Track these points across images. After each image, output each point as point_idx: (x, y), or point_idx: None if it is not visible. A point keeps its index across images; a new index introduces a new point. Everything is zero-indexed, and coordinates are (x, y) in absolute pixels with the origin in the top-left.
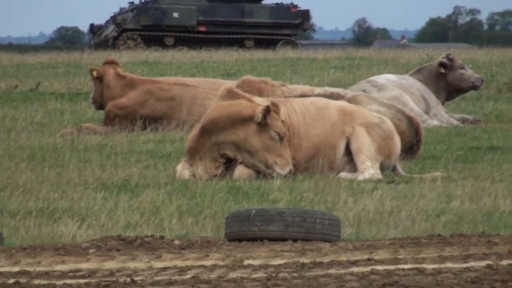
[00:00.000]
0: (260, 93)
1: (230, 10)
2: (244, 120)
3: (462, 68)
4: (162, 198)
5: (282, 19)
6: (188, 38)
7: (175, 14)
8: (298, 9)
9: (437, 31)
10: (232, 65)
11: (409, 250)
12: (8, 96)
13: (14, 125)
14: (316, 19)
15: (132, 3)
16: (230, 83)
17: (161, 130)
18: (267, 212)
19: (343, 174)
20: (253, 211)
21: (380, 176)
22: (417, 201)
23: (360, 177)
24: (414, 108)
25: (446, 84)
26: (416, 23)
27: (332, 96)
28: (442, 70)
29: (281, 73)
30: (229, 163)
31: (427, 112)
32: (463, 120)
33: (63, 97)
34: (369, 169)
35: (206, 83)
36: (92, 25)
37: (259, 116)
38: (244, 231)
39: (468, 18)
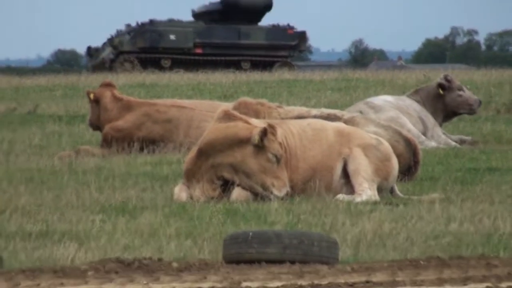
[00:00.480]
0: (257, 115)
1: (227, 32)
2: (241, 142)
3: (460, 89)
4: (160, 221)
5: (278, 40)
6: (184, 60)
7: (172, 37)
8: (295, 30)
9: (434, 52)
10: (229, 87)
11: (407, 273)
12: (7, 119)
13: (12, 147)
14: (313, 41)
15: (129, 25)
16: (227, 105)
17: (158, 152)
18: (264, 234)
19: (340, 196)
20: (250, 233)
21: (377, 198)
22: (415, 223)
23: (358, 199)
24: (411, 129)
25: (444, 106)
26: (413, 44)
27: (329, 118)
28: (440, 91)
29: (278, 94)
30: (227, 185)
31: (424, 133)
32: (461, 141)
33: (61, 119)
34: (366, 191)
35: (203, 105)
36: (89, 48)
37: (256, 138)
38: (242, 253)
39: (465, 39)
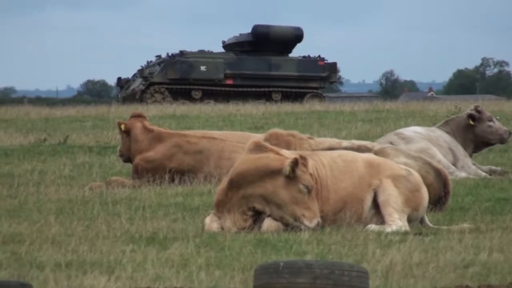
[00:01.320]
0: (288, 146)
1: (257, 63)
2: (272, 173)
3: (490, 120)
4: (191, 251)
5: (309, 72)
6: (215, 91)
7: (203, 68)
8: (326, 62)
9: (464, 83)
10: (259, 118)
11: None
12: (37, 150)
13: (43, 178)
14: (343, 72)
15: (159, 56)
16: (258, 136)
17: (189, 183)
18: (295, 264)
19: (370, 226)
20: (281, 264)
21: (407, 228)
22: (445, 253)
23: (388, 229)
24: (441, 160)
25: (474, 136)
26: (444, 75)
27: (359, 149)
28: (471, 122)
29: (309, 126)
30: (257, 216)
31: (454, 164)
32: (491, 172)
33: (91, 150)
34: (396, 221)
35: (234, 136)
36: (119, 79)
37: (287, 169)
38: (272, 283)
39: (496, 70)
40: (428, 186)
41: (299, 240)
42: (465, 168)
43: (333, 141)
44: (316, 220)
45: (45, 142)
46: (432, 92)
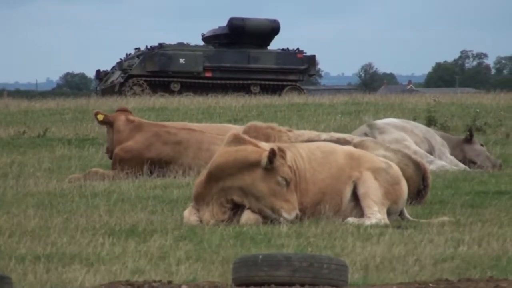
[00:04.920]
0: (267, 139)
1: (236, 56)
2: (250, 165)
3: (482, 145)
4: (170, 244)
5: (288, 64)
6: (194, 84)
7: (181, 60)
8: (304, 54)
9: (444, 76)
10: (238, 111)
11: None
12: (16, 142)
13: (22, 171)
14: (323, 65)
15: (138, 49)
16: (237, 128)
17: (167, 175)
18: (274, 257)
19: (350, 219)
20: (260, 256)
21: (387, 221)
22: (424, 246)
23: (367, 222)
24: (417, 150)
25: (463, 153)
26: (423, 68)
27: (338, 142)
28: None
29: (288, 118)
30: (236, 209)
31: (430, 153)
32: (470, 164)
33: (70, 143)
34: (376, 214)
35: (213, 128)
36: (98, 71)
37: (265, 161)
38: (251, 276)
39: (475, 63)
40: (407, 179)
41: (278, 233)
42: (442, 158)
43: (312, 133)
44: (295, 212)
45: (25, 135)
46: (411, 85)
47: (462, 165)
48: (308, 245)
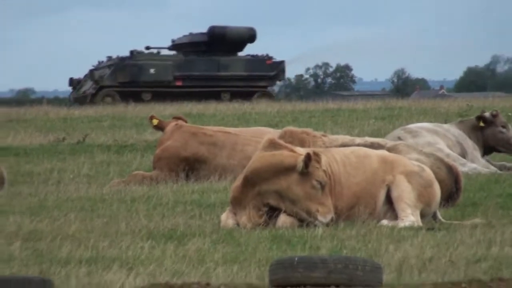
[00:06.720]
0: (302, 144)
1: (206, 64)
2: (286, 169)
3: (504, 127)
4: (208, 247)
5: (257, 71)
6: (165, 93)
7: (152, 70)
8: (273, 60)
9: (475, 80)
10: (274, 116)
11: None
12: (56, 149)
13: (62, 177)
14: (356, 71)
15: (110, 57)
16: (271, 131)
17: (203, 180)
18: (310, 259)
19: (384, 222)
20: (296, 259)
21: (420, 224)
22: (457, 247)
23: (401, 224)
24: (450, 153)
25: (482, 139)
26: (455, 73)
27: (372, 146)
28: (481, 124)
29: (322, 124)
30: (272, 212)
31: (463, 157)
32: (503, 168)
33: (109, 149)
34: (409, 217)
35: (248, 131)
36: (71, 79)
37: (300, 165)
38: (288, 278)
39: (506, 67)
40: (440, 182)
41: (313, 236)
42: (474, 162)
43: (346, 138)
44: (330, 215)
45: (64, 141)
46: (443, 90)
47: (493, 168)
48: (343, 247)
